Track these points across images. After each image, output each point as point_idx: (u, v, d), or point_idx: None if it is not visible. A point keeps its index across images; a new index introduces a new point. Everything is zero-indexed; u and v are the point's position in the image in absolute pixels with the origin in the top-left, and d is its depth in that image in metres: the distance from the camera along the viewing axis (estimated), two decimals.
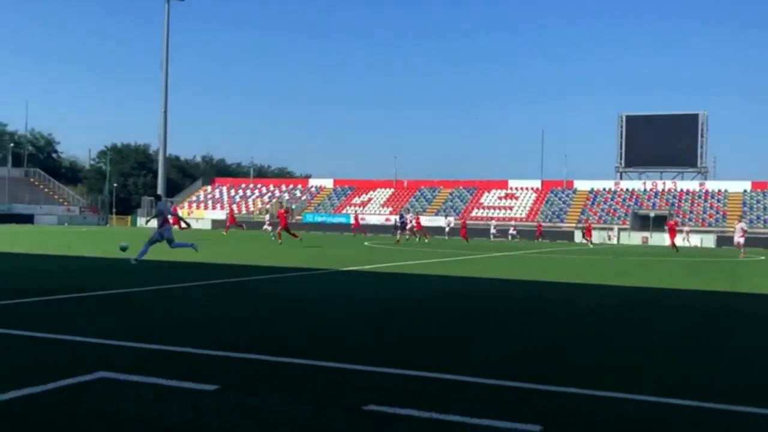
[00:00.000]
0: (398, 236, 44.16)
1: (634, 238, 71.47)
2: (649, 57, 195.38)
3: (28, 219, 71.87)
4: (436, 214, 76.32)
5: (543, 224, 71.01)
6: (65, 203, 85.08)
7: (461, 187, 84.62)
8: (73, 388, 4.65)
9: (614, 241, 70.26)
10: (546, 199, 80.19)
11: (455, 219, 63.61)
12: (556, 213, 76.99)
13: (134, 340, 6.43)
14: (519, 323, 8.71)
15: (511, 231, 64.19)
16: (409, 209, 69.38)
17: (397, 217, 48.82)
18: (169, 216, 17.89)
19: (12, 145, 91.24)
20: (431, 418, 4.19)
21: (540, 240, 62.00)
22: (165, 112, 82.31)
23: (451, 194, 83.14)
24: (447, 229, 57.11)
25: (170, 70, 74.13)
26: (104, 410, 4.16)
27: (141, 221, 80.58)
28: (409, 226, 44.97)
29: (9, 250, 21.41)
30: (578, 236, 66.34)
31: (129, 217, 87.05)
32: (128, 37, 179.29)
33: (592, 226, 60.62)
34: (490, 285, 14.17)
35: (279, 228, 31.91)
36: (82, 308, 8.78)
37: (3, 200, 75.55)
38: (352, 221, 64.46)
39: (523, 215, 76.60)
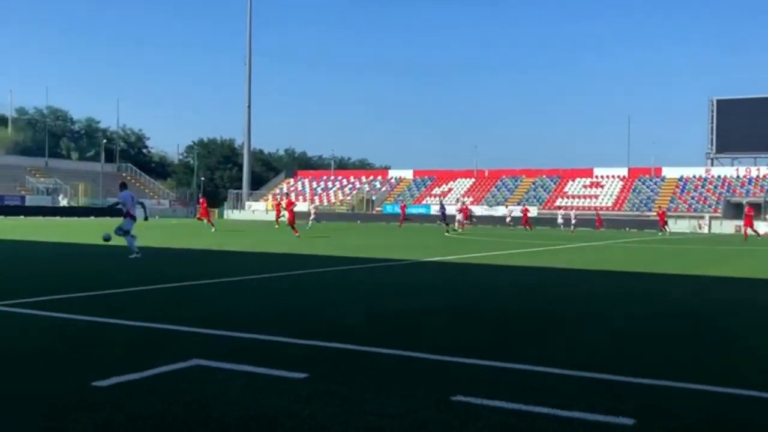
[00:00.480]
0: (445, 226, 43.32)
1: (727, 226, 68.48)
2: (736, 40, 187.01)
3: (120, 212, 74.79)
4: (518, 204, 75.39)
5: (630, 213, 69.14)
6: (155, 197, 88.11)
7: (544, 176, 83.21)
8: (170, 375, 4.82)
9: (705, 230, 67.78)
10: (633, 187, 77.99)
11: (520, 208, 61.58)
12: (644, 201, 74.79)
13: (225, 328, 6.61)
14: (609, 315, 8.52)
15: (559, 220, 60.24)
16: (458, 199, 68.57)
17: (438, 207, 48.62)
18: (131, 208, 16.80)
19: (105, 141, 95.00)
20: (520, 410, 4.15)
21: (602, 229, 59.33)
22: (248, 106, 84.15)
23: (533, 183, 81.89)
24: (509, 219, 56.14)
25: (253, 65, 75.66)
26: (200, 397, 4.29)
27: (227, 213, 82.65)
28: (458, 217, 44.69)
29: (103, 242, 22.34)
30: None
31: (216, 210, 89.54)
32: (214, 34, 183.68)
33: (667, 213, 58.13)
34: (577, 276, 13.90)
35: (277, 217, 29.14)
36: (175, 298, 9.08)
37: (97, 194, 78.80)
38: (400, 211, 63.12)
39: (609, 204, 74.72)
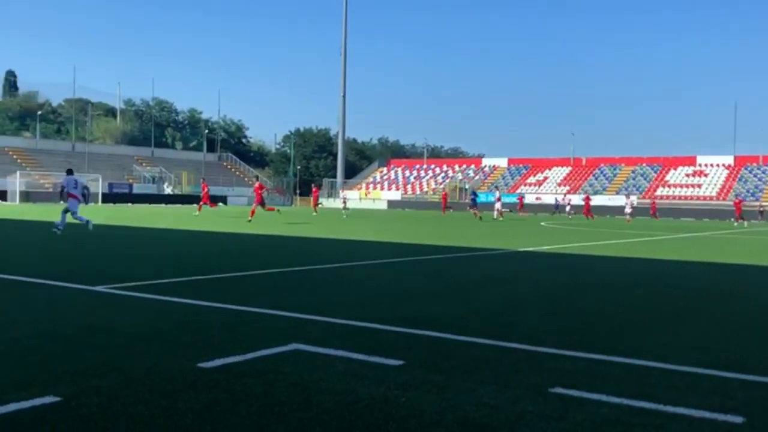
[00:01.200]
0: (475, 213, 43.41)
1: None
2: None
3: (221, 200, 77.14)
4: (617, 193, 73.25)
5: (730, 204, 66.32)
6: (254, 185, 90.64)
7: (644, 164, 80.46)
8: (271, 358, 4.95)
9: None
10: (739, 175, 74.34)
11: (581, 197, 58.67)
12: (750, 191, 71.18)
13: (322, 314, 6.73)
14: (715, 309, 8.19)
15: (566, 206, 57.00)
16: (497, 187, 66.86)
17: (471, 194, 48.49)
18: (74, 191, 18.52)
19: (207, 131, 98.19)
20: (621, 404, 4.04)
21: (657, 218, 56.81)
22: (343, 96, 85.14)
23: (633, 172, 79.36)
24: (568, 208, 54.42)
25: (348, 56, 76.42)
26: (299, 380, 4.40)
27: (323, 202, 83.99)
28: (497, 206, 44.23)
29: (208, 229, 23.14)
30: None
31: (311, 198, 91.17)
32: (310, 26, 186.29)
33: (744, 203, 54.76)
34: (681, 267, 13.41)
35: (254, 204, 30.03)
36: (274, 283, 9.31)
37: (199, 183, 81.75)
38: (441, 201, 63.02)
39: (713, 194, 71.56)
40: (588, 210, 48.14)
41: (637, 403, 4.07)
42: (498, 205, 44.84)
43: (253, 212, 30.61)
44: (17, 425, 3.47)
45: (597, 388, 4.35)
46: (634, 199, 56.82)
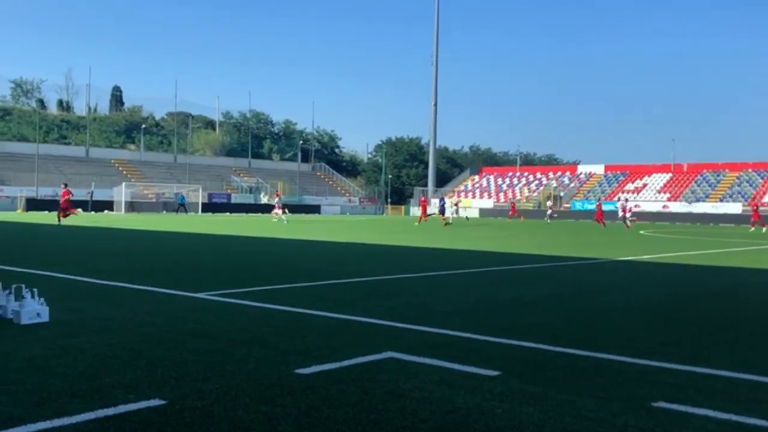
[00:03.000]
0: (444, 219, 42.48)
1: None
2: None
3: (315, 209, 78.56)
4: (721, 201, 70.15)
5: None
6: (346, 194, 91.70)
7: (750, 170, 76.71)
8: (366, 365, 4.98)
9: None
10: None
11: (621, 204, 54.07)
12: None
13: (417, 323, 6.73)
14: None
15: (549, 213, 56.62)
16: (626, 199, 63.75)
17: (438, 201, 48.72)
18: None
19: (301, 141, 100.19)
20: (729, 420, 3.86)
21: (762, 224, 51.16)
22: (435, 105, 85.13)
23: (738, 178, 75.78)
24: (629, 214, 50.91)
25: (439, 64, 76.44)
26: (395, 388, 4.41)
27: (413, 210, 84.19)
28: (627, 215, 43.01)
29: (303, 237, 23.57)
30: None
31: (402, 207, 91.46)
32: (401, 35, 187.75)
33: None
34: None
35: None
36: (367, 291, 9.37)
37: (294, 192, 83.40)
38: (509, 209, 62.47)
39: None
40: (600, 216, 44.46)
41: (747, 419, 3.88)
42: (627, 215, 43.45)
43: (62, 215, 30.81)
44: (125, 425, 3.62)
45: (703, 402, 4.18)
46: (630, 204, 49.41)
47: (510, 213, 62.40)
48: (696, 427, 3.75)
